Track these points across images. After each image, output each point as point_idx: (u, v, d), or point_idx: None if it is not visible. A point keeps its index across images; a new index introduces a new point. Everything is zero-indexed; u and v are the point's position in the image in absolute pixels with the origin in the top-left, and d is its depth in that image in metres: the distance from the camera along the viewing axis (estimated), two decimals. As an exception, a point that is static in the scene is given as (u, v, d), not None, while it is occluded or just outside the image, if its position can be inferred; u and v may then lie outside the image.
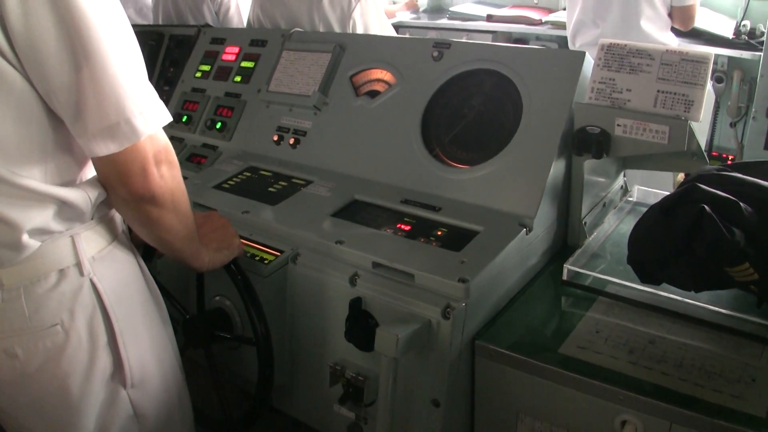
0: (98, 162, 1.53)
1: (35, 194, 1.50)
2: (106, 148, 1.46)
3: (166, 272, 2.21)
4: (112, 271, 1.67)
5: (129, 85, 1.46)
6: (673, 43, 4.35)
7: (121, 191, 1.56)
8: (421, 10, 6.69)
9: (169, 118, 1.57)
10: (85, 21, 1.39)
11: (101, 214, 1.67)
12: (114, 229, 1.72)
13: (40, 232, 1.54)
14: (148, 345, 1.76)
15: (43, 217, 1.52)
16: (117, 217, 1.73)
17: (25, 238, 1.51)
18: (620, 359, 1.77)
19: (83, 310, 1.61)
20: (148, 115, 1.49)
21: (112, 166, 1.51)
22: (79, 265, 1.60)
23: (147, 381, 1.76)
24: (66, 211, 1.56)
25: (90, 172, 1.62)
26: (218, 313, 2.15)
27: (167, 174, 1.58)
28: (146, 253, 1.99)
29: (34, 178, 1.49)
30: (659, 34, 4.30)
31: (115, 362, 1.68)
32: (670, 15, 4.34)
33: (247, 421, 2.11)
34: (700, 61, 2.00)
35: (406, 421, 1.92)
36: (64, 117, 1.46)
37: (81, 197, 1.57)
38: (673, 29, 4.44)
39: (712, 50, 2.10)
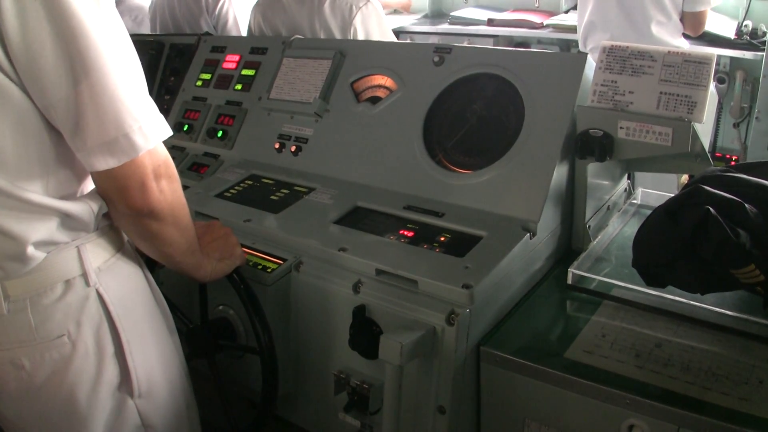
0: (97, 176, 1.53)
1: (38, 207, 1.50)
2: (105, 163, 1.46)
3: (169, 282, 2.20)
4: (118, 281, 1.67)
5: (128, 99, 1.45)
6: (685, 48, 4.34)
7: (120, 206, 1.56)
8: (421, 16, 6.69)
9: (169, 133, 1.57)
10: (84, 35, 1.38)
11: (105, 224, 1.67)
12: (119, 239, 1.72)
13: (45, 244, 1.54)
14: (154, 354, 1.76)
15: (47, 229, 1.52)
16: None
17: (31, 250, 1.51)
18: (626, 363, 1.76)
19: (90, 320, 1.60)
20: (147, 130, 1.48)
21: (111, 181, 1.51)
22: (85, 275, 1.60)
23: (154, 391, 1.76)
24: (70, 222, 1.56)
25: (92, 183, 1.61)
26: (222, 322, 2.14)
27: (167, 188, 1.58)
28: (148, 263, 1.98)
29: (36, 191, 1.49)
30: (671, 40, 4.29)
31: (122, 372, 1.68)
32: (681, 20, 4.34)
33: (252, 431, 2.10)
34: (702, 62, 1.99)
35: (412, 429, 1.91)
36: (63, 131, 1.46)
37: (84, 209, 1.57)
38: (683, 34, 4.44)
39: (715, 51, 2.09)
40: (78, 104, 1.41)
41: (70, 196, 1.56)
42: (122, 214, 1.60)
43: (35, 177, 1.49)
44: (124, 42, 1.49)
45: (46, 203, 1.51)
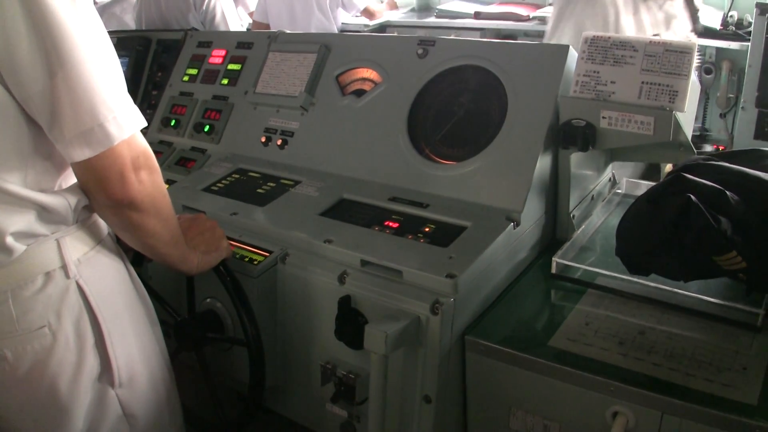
0: (77, 168, 1.55)
1: (16, 198, 1.52)
2: (82, 153, 1.48)
3: (157, 276, 2.22)
4: (98, 273, 1.68)
5: (103, 90, 1.47)
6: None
7: (100, 197, 1.58)
8: (408, 9, 6.70)
9: (144, 123, 1.59)
10: (60, 27, 1.41)
11: (84, 217, 1.68)
12: (99, 231, 1.73)
13: (24, 236, 1.55)
14: (135, 345, 1.77)
15: (26, 220, 1.54)
16: (101, 220, 1.74)
17: (10, 240, 1.52)
18: (610, 351, 1.77)
19: (70, 312, 1.62)
20: (122, 120, 1.50)
21: (91, 172, 1.53)
22: (64, 267, 1.61)
23: (135, 381, 1.77)
24: (47, 215, 1.58)
25: (71, 178, 1.63)
26: (209, 315, 2.15)
27: (147, 179, 1.59)
28: (136, 257, 1.99)
29: (15, 183, 1.51)
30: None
31: (103, 363, 1.69)
32: None
33: (240, 423, 2.11)
34: (683, 51, 2.00)
35: (399, 418, 1.91)
36: (42, 123, 1.48)
37: (60, 203, 1.58)
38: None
39: (699, 41, 2.10)
40: (54, 95, 1.43)
41: (48, 190, 1.58)
42: (103, 205, 1.61)
43: (13, 168, 1.51)
44: (99, 35, 1.51)
45: (24, 195, 1.52)
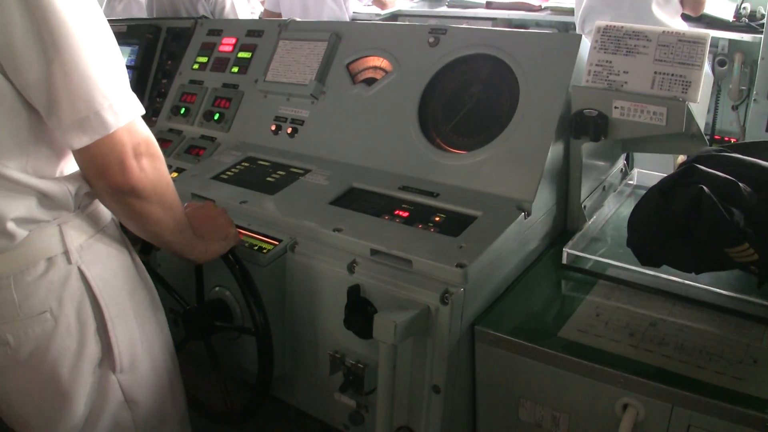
0: (78, 155, 1.55)
1: (16, 184, 1.53)
2: (79, 141, 1.49)
3: (165, 265, 2.22)
4: (100, 259, 1.69)
5: (99, 78, 1.48)
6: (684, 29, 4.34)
7: (100, 184, 1.58)
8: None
9: (141, 111, 1.59)
10: (56, 15, 1.41)
11: (86, 204, 1.69)
12: (100, 218, 1.74)
13: (26, 221, 1.56)
14: (137, 331, 1.78)
15: (26, 206, 1.55)
16: (103, 207, 1.74)
17: (11, 226, 1.54)
18: (621, 342, 1.76)
19: (71, 297, 1.63)
20: (118, 107, 1.51)
21: (91, 159, 1.54)
22: (66, 253, 1.62)
23: (137, 366, 1.78)
24: (48, 202, 1.59)
25: (73, 165, 1.63)
26: (218, 303, 2.15)
27: (148, 166, 1.59)
28: (144, 246, 1.99)
29: (14, 169, 1.52)
30: (670, 21, 4.29)
31: (104, 348, 1.71)
32: (681, 2, 4.33)
33: (247, 412, 2.11)
34: (696, 41, 1.98)
35: (408, 408, 1.91)
36: (40, 110, 1.49)
37: (61, 189, 1.59)
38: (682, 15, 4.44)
39: (712, 33, 2.08)
40: (51, 83, 1.44)
41: (49, 176, 1.59)
42: (105, 192, 1.62)
43: (13, 155, 1.52)
44: (97, 22, 1.52)
45: (24, 181, 1.53)
